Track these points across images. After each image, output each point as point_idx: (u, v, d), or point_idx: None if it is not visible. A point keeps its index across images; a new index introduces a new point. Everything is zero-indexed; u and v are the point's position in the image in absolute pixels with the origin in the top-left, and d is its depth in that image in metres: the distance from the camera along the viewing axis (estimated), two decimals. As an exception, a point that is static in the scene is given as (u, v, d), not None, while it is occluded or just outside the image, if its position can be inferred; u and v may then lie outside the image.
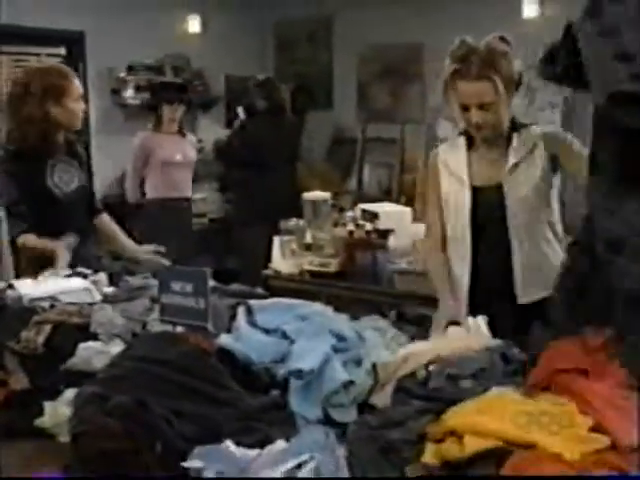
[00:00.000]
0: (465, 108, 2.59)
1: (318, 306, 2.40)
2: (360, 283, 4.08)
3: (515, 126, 2.67)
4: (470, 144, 2.75)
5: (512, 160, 2.63)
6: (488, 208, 2.68)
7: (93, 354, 2.23)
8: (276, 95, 6.02)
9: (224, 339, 2.19)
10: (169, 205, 5.57)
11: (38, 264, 3.09)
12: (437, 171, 2.80)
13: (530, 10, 6.47)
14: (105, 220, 3.70)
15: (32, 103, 3.31)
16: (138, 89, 6.74)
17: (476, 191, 2.68)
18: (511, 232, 2.67)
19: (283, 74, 7.49)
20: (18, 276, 3.05)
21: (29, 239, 3.29)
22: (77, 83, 3.45)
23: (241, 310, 2.36)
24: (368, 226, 4.20)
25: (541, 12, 6.44)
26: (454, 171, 2.73)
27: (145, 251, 3.59)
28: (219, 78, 7.34)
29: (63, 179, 3.43)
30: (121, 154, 6.48)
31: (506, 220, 2.65)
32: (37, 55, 6.42)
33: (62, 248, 3.19)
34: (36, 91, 3.31)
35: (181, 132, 5.67)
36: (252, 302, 2.41)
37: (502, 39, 2.57)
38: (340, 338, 2.13)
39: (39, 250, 3.23)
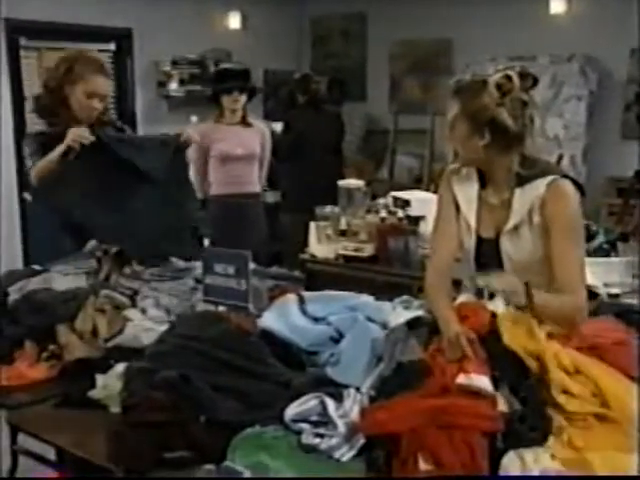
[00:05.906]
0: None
1: (365, 297, 2.40)
2: (392, 267, 4.06)
3: (521, 180, 2.23)
4: (481, 180, 2.34)
5: (512, 221, 2.25)
6: (489, 259, 2.30)
7: (141, 331, 2.26)
8: (313, 89, 5.95)
9: (266, 321, 2.20)
10: (231, 202, 4.82)
11: None
12: (451, 191, 2.38)
13: (557, 6, 6.37)
14: None
15: None
16: (182, 82, 6.80)
17: (480, 241, 2.34)
18: None
19: (318, 68, 7.46)
20: None
21: None
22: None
23: (292, 298, 2.36)
24: (400, 213, 4.17)
25: (568, 8, 6.34)
26: (463, 212, 2.36)
27: None
28: (258, 72, 7.33)
29: None
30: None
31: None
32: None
33: None
34: None
35: (245, 122, 4.89)
36: (304, 292, 2.42)
37: (506, 77, 2.13)
38: (384, 327, 2.14)
39: None
